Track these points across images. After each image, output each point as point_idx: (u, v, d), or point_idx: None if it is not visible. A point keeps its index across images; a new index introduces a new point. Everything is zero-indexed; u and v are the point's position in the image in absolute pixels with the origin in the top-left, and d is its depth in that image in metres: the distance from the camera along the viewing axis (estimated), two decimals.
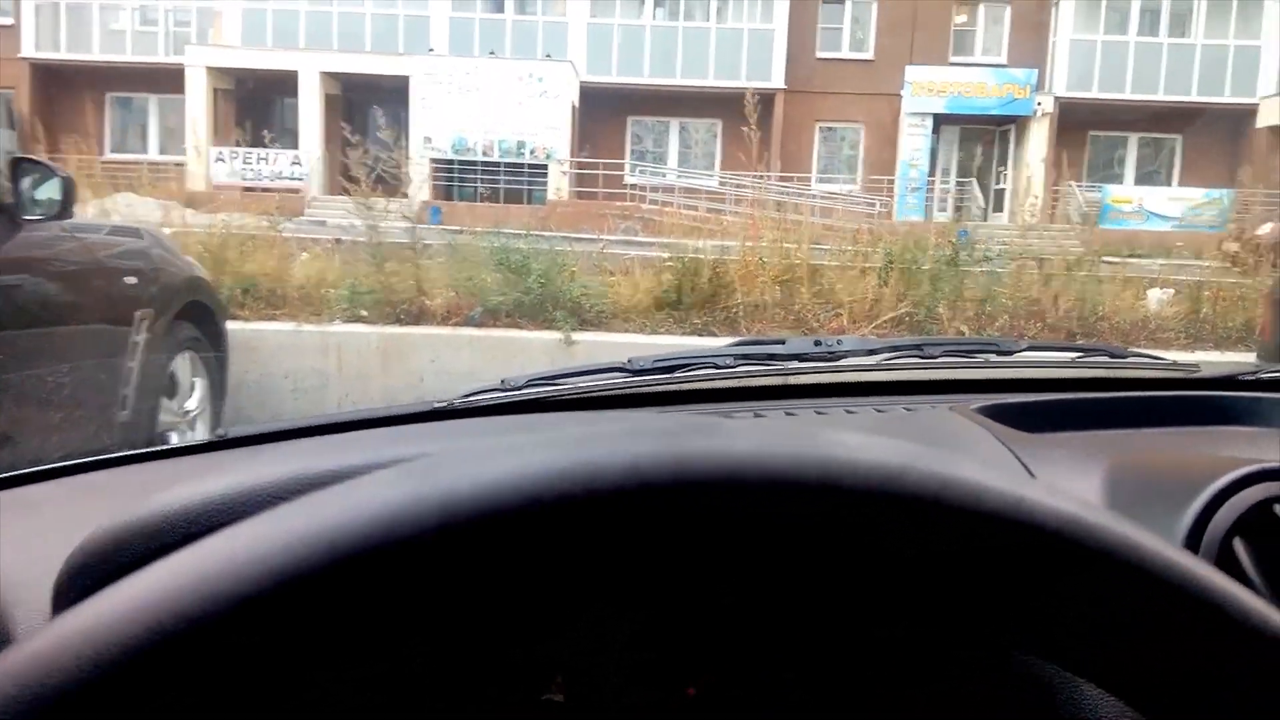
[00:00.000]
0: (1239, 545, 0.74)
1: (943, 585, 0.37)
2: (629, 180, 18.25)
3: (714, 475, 0.33)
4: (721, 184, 16.84)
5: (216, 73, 19.02)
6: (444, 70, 18.51)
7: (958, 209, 16.08)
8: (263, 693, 0.30)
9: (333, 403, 4.59)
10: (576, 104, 19.19)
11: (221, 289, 4.78)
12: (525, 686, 0.49)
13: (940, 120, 19.63)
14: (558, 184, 18.38)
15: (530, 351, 4.89)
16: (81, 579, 0.51)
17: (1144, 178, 20.11)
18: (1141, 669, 0.38)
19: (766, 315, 5.25)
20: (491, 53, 19.20)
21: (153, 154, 19.20)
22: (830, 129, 20.53)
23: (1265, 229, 10.57)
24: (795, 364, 1.22)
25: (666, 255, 6.10)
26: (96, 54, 19.73)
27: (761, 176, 8.74)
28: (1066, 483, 0.86)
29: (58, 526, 0.64)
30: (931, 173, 19.71)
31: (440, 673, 0.46)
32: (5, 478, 0.86)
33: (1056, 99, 19.14)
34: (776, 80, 19.27)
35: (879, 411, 1.09)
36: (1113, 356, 1.42)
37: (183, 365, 3.68)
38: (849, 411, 1.09)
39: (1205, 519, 0.75)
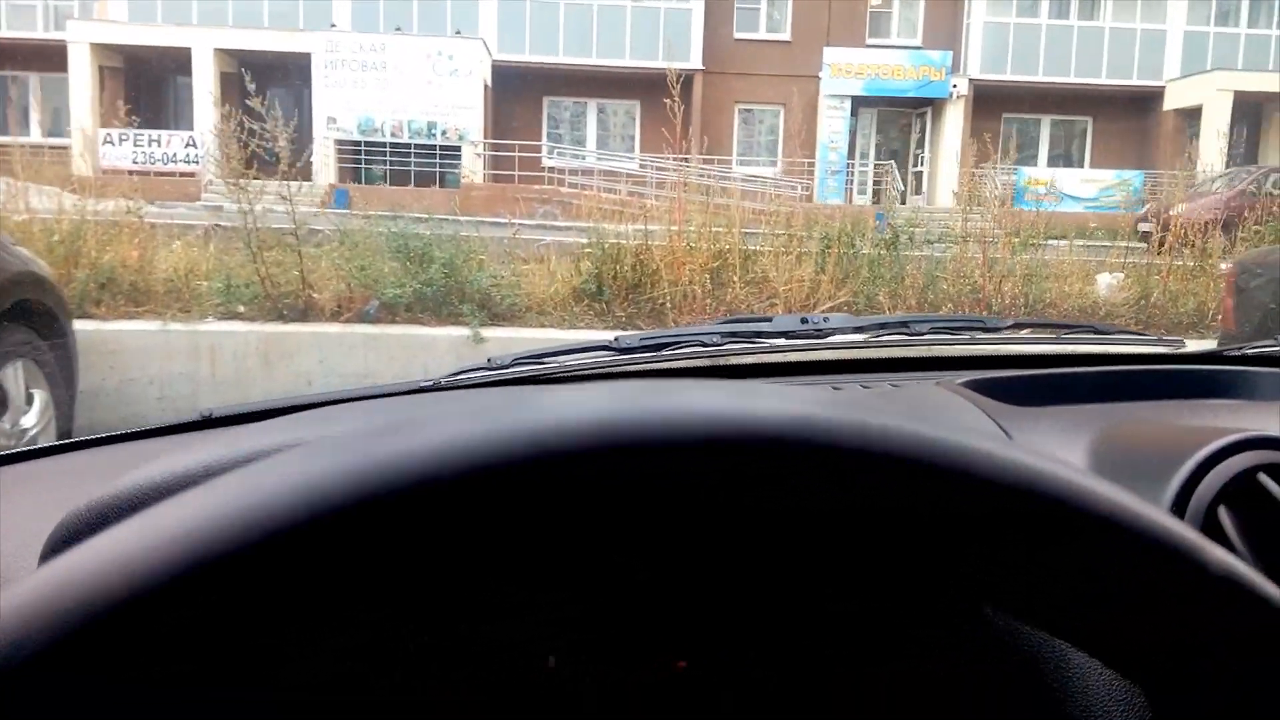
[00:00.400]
0: (1224, 514, 0.72)
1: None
2: (547, 163, 17.72)
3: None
4: (642, 166, 16.40)
5: (102, 50, 17.88)
6: (348, 47, 17.64)
7: (876, 192, 16.08)
8: (224, 666, 0.30)
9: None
10: (489, 83, 18.53)
11: (73, 284, 4.19)
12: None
13: (858, 102, 19.59)
14: (472, 166, 17.71)
15: (434, 350, 4.42)
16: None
17: (1056, 159, 20.41)
18: (1121, 633, 0.36)
19: (696, 306, 4.81)
20: (398, 28, 18.39)
21: (35, 137, 17.94)
22: (749, 110, 20.29)
23: (1179, 209, 10.70)
24: (782, 341, 1.22)
25: (586, 241, 5.64)
26: None
27: (685, 159, 8.35)
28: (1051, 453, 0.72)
29: (48, 504, 0.64)
30: (851, 155, 19.68)
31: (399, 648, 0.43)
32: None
33: (971, 81, 19.25)
34: (695, 61, 18.90)
35: (865, 388, 1.10)
36: (1098, 333, 1.42)
37: (13, 376, 3.15)
38: (835, 388, 1.10)
39: (1190, 487, 0.73)
